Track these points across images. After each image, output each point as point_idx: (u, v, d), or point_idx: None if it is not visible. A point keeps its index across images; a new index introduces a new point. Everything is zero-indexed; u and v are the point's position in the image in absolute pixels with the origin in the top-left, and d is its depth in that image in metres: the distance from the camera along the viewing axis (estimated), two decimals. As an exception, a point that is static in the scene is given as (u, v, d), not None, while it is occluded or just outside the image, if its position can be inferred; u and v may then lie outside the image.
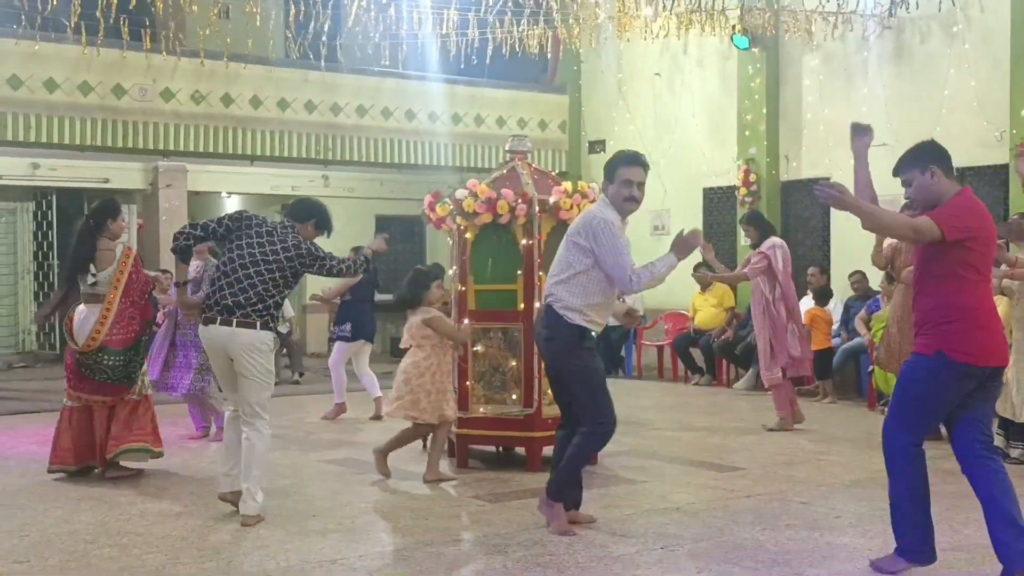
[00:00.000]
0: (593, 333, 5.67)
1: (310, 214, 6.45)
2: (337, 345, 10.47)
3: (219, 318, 6.00)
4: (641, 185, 5.73)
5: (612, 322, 14.02)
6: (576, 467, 5.76)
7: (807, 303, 11.67)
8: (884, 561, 4.90)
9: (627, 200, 5.69)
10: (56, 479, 7.20)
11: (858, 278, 11.78)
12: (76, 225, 7.64)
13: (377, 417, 9.94)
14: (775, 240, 9.48)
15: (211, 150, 13.75)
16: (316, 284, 14.34)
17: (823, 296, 11.94)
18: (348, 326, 10.35)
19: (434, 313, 7.12)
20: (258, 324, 5.99)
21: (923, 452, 4.78)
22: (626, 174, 5.69)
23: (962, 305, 4.69)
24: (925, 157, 4.82)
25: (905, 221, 4.81)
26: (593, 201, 7.58)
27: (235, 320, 5.97)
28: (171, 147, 13.50)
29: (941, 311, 4.70)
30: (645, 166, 5.78)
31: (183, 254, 6.27)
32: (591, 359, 5.67)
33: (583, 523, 5.80)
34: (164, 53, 12.79)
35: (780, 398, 9.32)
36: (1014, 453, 7.47)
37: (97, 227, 7.24)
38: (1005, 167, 11.53)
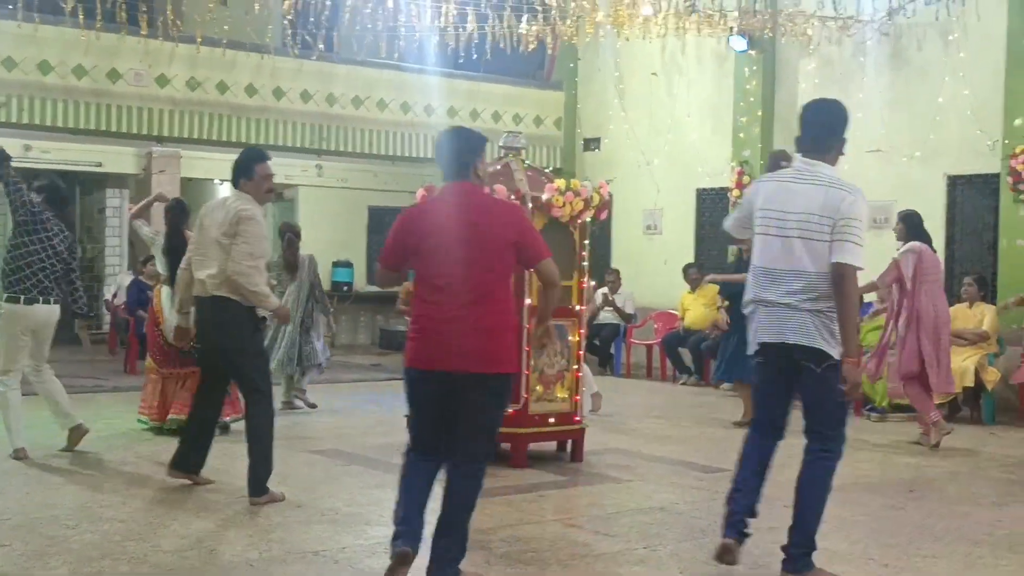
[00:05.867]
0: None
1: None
2: None
3: None
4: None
5: (602, 319, 14.19)
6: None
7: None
8: None
9: (267, 192, 6.78)
10: (40, 462, 7.19)
11: None
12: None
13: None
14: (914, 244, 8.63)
15: (205, 137, 13.72)
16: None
17: None
18: None
19: None
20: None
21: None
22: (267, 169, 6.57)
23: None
24: None
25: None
26: (586, 200, 7.58)
27: None
28: (165, 133, 13.47)
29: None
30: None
31: None
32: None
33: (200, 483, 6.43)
34: (161, 38, 12.76)
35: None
36: None
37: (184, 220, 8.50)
38: (997, 176, 11.56)
